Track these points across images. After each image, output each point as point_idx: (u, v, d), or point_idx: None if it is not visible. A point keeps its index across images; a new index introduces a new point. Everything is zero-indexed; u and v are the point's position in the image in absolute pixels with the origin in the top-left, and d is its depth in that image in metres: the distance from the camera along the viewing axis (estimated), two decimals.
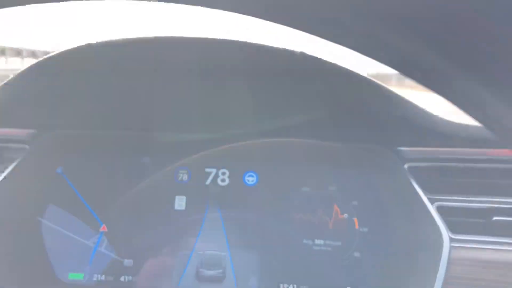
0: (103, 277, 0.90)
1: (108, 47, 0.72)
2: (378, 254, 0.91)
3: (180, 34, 0.79)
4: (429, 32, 0.31)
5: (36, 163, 0.89)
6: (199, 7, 0.35)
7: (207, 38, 0.78)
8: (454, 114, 0.79)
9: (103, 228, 0.92)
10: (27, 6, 0.37)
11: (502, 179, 0.84)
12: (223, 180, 0.96)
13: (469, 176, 0.85)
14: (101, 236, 0.92)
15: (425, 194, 0.83)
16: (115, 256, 0.91)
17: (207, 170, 0.97)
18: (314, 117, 0.88)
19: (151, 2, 0.37)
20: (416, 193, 0.84)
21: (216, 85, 0.80)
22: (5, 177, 0.85)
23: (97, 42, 0.69)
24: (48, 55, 0.71)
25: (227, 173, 0.97)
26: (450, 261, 0.75)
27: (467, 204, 0.82)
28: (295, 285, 0.91)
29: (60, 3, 0.39)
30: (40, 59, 0.72)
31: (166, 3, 0.36)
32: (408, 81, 0.37)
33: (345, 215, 0.95)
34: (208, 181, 0.96)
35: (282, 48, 0.71)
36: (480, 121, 0.35)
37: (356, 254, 0.93)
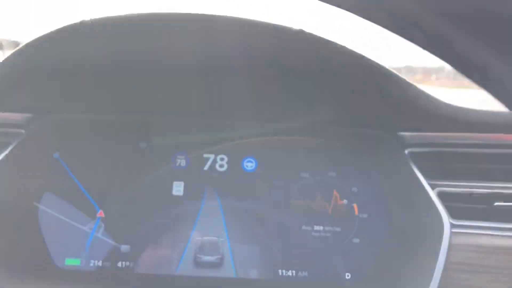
0: (100, 263, 0.89)
1: (104, 26, 0.69)
2: (377, 240, 0.90)
3: (182, 11, 0.68)
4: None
5: (32, 148, 0.88)
6: None
7: (212, 15, 0.69)
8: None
9: (100, 213, 0.91)
10: None
11: (504, 164, 0.83)
12: (221, 166, 0.96)
13: (470, 162, 0.84)
14: (98, 222, 0.91)
15: (426, 179, 0.82)
16: (112, 241, 0.90)
17: (205, 155, 0.96)
18: (313, 102, 0.87)
19: None
20: (417, 178, 0.83)
21: (216, 68, 0.78)
22: (0, 162, 0.84)
23: (91, 20, 0.67)
24: (41, 35, 0.69)
25: (226, 158, 0.96)
26: (450, 247, 0.75)
27: (468, 189, 0.81)
28: (294, 271, 0.91)
29: None
30: (34, 38, 0.69)
31: None
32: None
33: (345, 201, 0.94)
34: (206, 167, 0.95)
35: (280, 26, 0.69)
36: None
37: (356, 240, 0.92)
